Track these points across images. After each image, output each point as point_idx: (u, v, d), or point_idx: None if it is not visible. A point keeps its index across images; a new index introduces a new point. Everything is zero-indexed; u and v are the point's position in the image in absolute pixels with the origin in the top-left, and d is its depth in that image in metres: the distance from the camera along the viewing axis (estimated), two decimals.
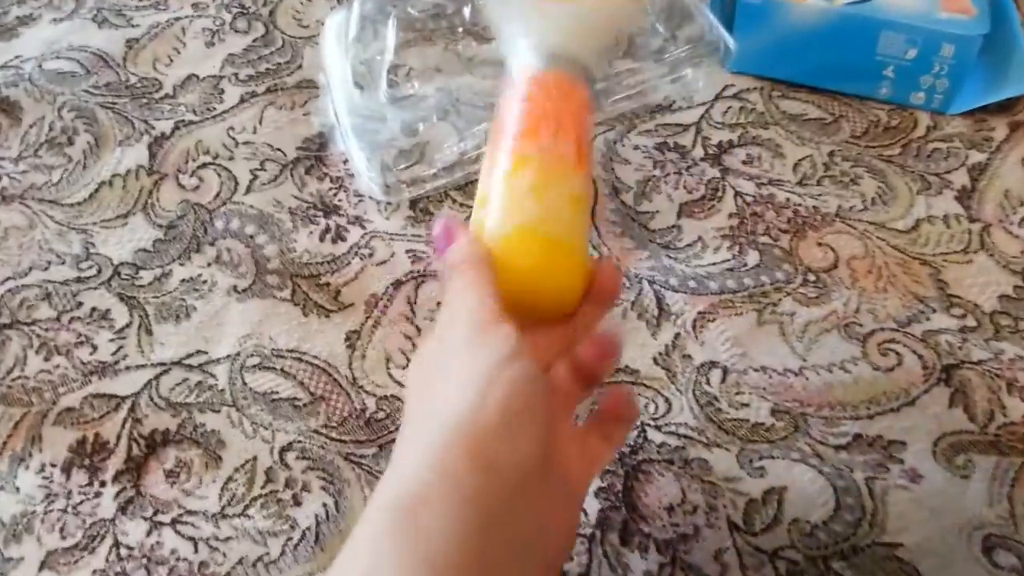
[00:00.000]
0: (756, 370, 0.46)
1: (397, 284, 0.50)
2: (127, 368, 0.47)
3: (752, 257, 0.50)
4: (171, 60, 0.62)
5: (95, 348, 0.48)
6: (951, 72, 0.55)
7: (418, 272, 0.50)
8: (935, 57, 0.55)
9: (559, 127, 0.38)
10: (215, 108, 0.59)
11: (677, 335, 0.47)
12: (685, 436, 0.44)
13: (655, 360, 0.47)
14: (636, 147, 0.55)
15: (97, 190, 0.55)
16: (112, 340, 0.48)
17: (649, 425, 0.44)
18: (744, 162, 0.54)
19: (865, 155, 0.55)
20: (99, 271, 0.51)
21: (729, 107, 0.57)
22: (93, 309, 0.49)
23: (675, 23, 0.61)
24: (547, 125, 0.38)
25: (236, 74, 0.61)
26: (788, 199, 0.52)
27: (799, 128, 0.56)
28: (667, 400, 0.45)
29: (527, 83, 0.39)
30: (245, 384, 0.46)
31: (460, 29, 0.61)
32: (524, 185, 0.36)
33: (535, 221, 0.36)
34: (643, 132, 0.56)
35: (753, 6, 0.57)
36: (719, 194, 0.52)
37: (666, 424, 0.44)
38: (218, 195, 0.54)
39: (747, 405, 0.45)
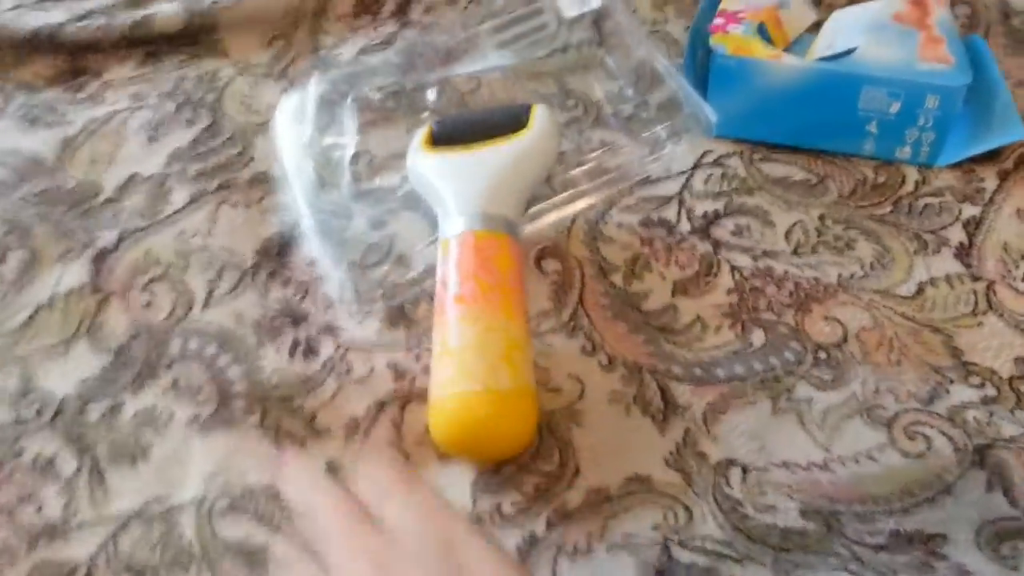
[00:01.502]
0: (778, 466, 0.42)
1: (380, 406, 0.45)
2: (79, 526, 0.42)
3: (757, 337, 0.46)
4: (111, 160, 0.57)
5: (40, 506, 0.42)
6: (936, 124, 0.53)
7: (403, 391, 0.46)
8: (919, 110, 0.53)
9: (487, 283, 0.43)
10: (163, 211, 0.54)
11: (687, 431, 0.44)
12: (714, 552, 0.40)
13: (667, 462, 0.43)
14: (619, 224, 0.52)
15: (35, 314, 0.50)
16: (59, 493, 0.43)
17: (672, 541, 0.40)
18: (734, 233, 0.51)
19: (856, 216, 0.52)
20: (40, 410, 0.46)
21: (710, 175, 0.55)
22: (36, 457, 0.44)
23: (644, 87, 0.59)
24: (476, 283, 0.43)
25: (183, 170, 0.56)
26: (787, 271, 0.49)
27: (785, 192, 0.54)
28: (687, 508, 0.41)
29: (453, 245, 0.44)
30: (215, 534, 0.41)
31: (424, 111, 0.58)
32: (465, 343, 0.42)
33: (481, 377, 0.41)
34: (624, 208, 0.53)
35: (727, 68, 0.55)
36: (714, 269, 0.49)
37: (691, 539, 0.40)
38: (172, 313, 0.49)
39: (774, 507, 0.41)
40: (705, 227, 0.52)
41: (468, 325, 0.42)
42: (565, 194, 0.51)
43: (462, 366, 0.42)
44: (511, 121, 0.49)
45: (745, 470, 0.42)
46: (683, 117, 0.54)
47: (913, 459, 0.42)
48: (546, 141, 0.48)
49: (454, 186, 0.47)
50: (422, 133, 0.50)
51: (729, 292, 0.48)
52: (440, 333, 0.43)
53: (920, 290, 0.48)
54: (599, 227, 0.52)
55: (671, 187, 0.54)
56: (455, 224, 0.45)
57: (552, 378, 0.46)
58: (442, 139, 0.50)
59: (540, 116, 0.49)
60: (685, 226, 0.52)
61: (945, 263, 0.50)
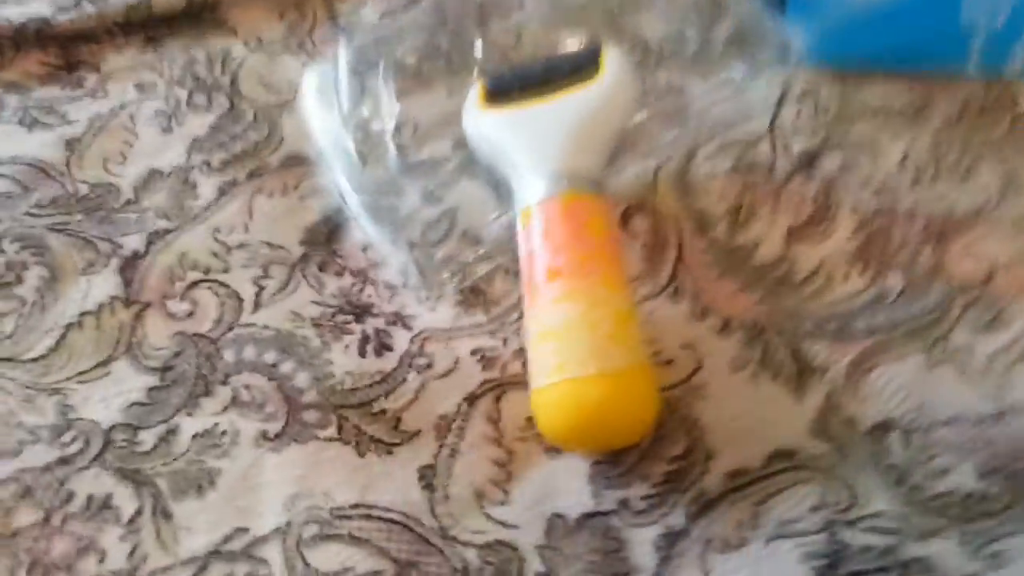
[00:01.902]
0: (943, 424, 0.37)
1: (471, 399, 0.40)
2: (151, 575, 0.36)
3: (894, 281, 0.41)
4: (124, 157, 0.51)
5: (103, 555, 0.36)
6: None
7: (495, 379, 0.40)
8: None
9: (583, 252, 0.38)
10: (191, 208, 0.48)
11: (829, 395, 0.38)
12: (888, 531, 0.34)
13: (811, 432, 0.37)
14: (710, 172, 0.46)
15: (64, 336, 0.44)
16: (122, 539, 0.37)
17: (839, 524, 0.35)
18: (841, 168, 0.45)
19: (971, 139, 0.46)
20: (87, 443, 0.40)
21: (799, 109, 0.49)
22: (90, 499, 0.38)
23: (706, 21, 0.52)
24: (572, 254, 0.37)
25: (207, 162, 0.50)
26: (915, 202, 0.43)
27: (887, 120, 0.48)
28: (847, 484, 0.36)
29: (536, 212, 0.39)
30: (308, 566, 0.36)
31: (464, 70, 0.51)
32: (568, 324, 0.36)
33: (591, 360, 0.35)
34: (710, 155, 0.47)
35: None
36: (831, 211, 0.43)
37: (859, 519, 0.35)
38: (220, 319, 0.43)
39: (947, 472, 0.36)
40: (808, 165, 0.46)
41: (569, 303, 0.36)
42: (642, 145, 0.45)
43: (568, 350, 0.36)
44: (579, 68, 0.43)
45: (906, 433, 0.37)
46: (758, 47, 0.48)
47: None
48: (624, 85, 0.42)
49: (528, 144, 0.41)
50: (475, 92, 0.44)
51: (852, 234, 0.42)
52: (535, 314, 0.37)
53: None
54: (686, 177, 0.46)
55: (758, 127, 0.48)
56: (535, 188, 0.39)
57: (662, 350, 0.41)
58: (501, 95, 0.44)
59: (613, 59, 0.43)
60: (785, 166, 0.46)
61: None
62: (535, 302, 0.38)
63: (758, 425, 0.38)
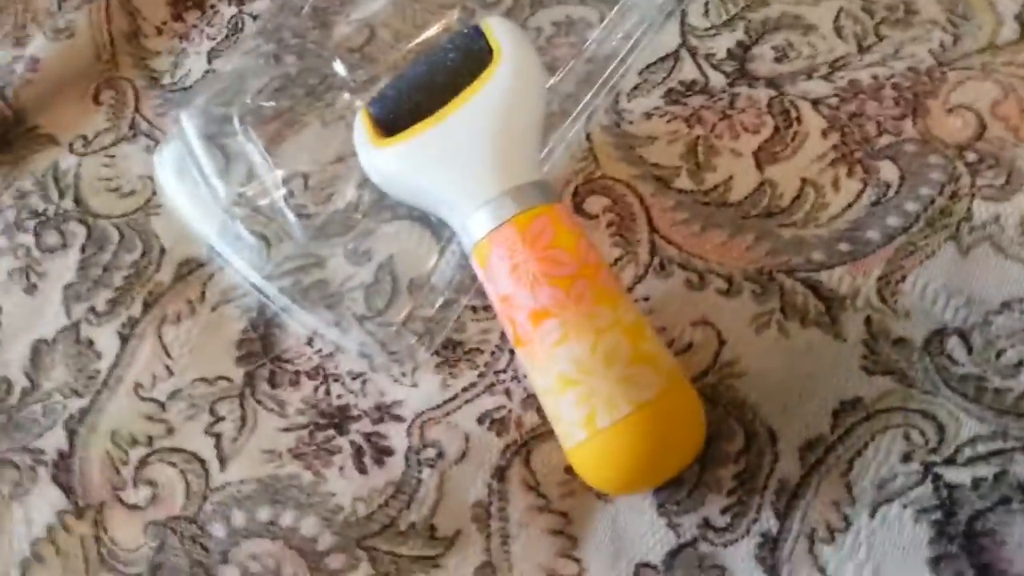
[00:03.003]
0: (998, 312, 0.33)
1: (499, 474, 0.35)
2: None
3: (888, 171, 0.37)
4: None
5: None
6: None
7: (515, 442, 0.35)
8: None
9: (564, 277, 0.32)
10: (98, 372, 0.41)
11: (869, 321, 0.34)
12: (992, 454, 0.31)
13: (867, 370, 0.34)
14: (647, 115, 0.41)
15: (24, 574, 0.37)
16: None
17: (937, 464, 0.32)
18: (778, 59, 0.40)
19: None
20: None
21: (705, 1, 0.43)
22: None
23: None
24: (553, 284, 0.32)
25: (92, 309, 0.43)
26: (875, 76, 0.38)
27: None
28: (929, 416, 0.32)
29: (490, 249, 0.33)
30: None
31: (326, 90, 0.44)
32: (583, 364, 0.31)
33: (625, 396, 0.30)
34: (635, 92, 0.41)
35: None
36: (792, 115, 0.39)
37: (957, 452, 0.32)
38: (189, 493, 0.37)
39: (1022, 364, 0.32)
40: (741, 68, 0.40)
41: (573, 341, 0.31)
42: (564, 122, 0.40)
43: (592, 395, 0.31)
44: (467, 57, 0.36)
45: (964, 335, 0.33)
46: None
47: None
48: (527, 61, 0.36)
49: (449, 174, 0.34)
50: (361, 125, 0.37)
51: (825, 134, 0.38)
52: (538, 365, 0.32)
53: (1023, 25, 0.39)
54: (624, 129, 0.41)
55: (668, 40, 0.43)
56: (479, 221, 0.33)
57: (674, 336, 0.36)
58: (391, 120, 0.37)
59: (502, 32, 0.36)
60: (719, 79, 0.41)
61: None
62: (532, 353, 0.33)
63: (809, 381, 0.34)
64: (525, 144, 0.35)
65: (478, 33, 0.37)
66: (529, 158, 0.35)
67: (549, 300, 0.32)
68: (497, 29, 0.36)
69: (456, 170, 0.34)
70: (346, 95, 0.44)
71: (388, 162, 0.36)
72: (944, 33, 0.39)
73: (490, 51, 0.36)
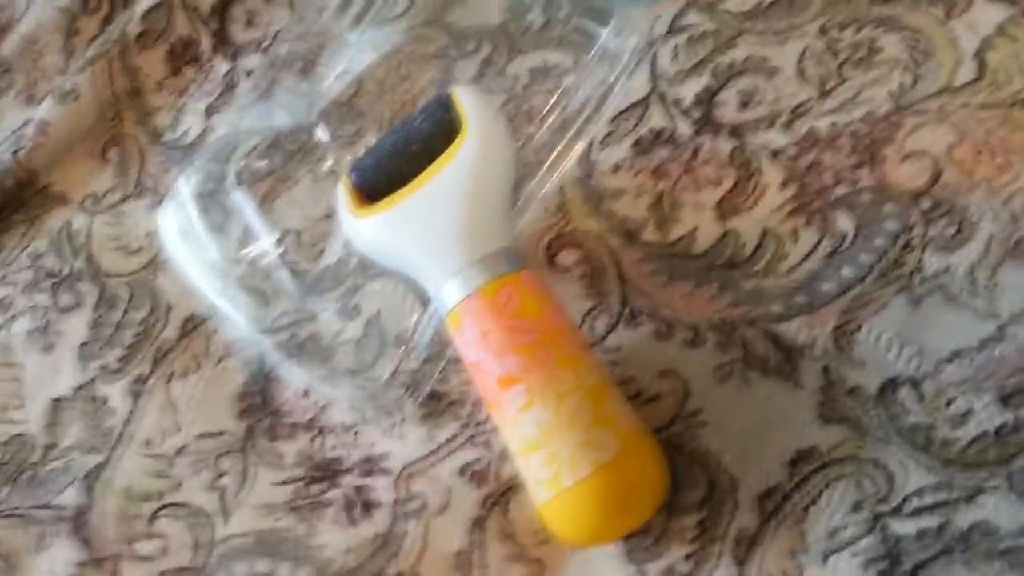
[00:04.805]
0: (948, 361, 0.34)
1: (479, 524, 0.37)
2: None
3: (844, 221, 0.38)
4: (20, 398, 0.47)
5: None
6: None
7: (493, 493, 0.38)
8: None
9: (529, 345, 0.34)
10: (113, 429, 0.44)
11: (825, 369, 0.36)
12: (937, 505, 0.33)
13: (822, 418, 0.35)
14: (616, 167, 0.42)
15: None
16: None
17: (883, 514, 0.33)
18: (743, 105, 0.41)
19: (859, 9, 0.42)
20: None
21: (675, 46, 0.44)
22: None
23: None
24: (518, 352, 0.34)
25: (105, 367, 0.46)
26: (833, 124, 0.39)
27: (767, 22, 0.43)
28: (880, 465, 0.34)
29: (462, 316, 0.35)
30: None
31: (321, 153, 0.46)
32: (547, 428, 0.33)
33: (586, 458, 0.33)
34: (606, 141, 0.43)
35: None
36: (752, 166, 0.40)
37: (904, 503, 0.33)
38: (196, 545, 0.40)
39: (971, 412, 0.34)
40: (707, 116, 0.41)
41: (538, 406, 0.33)
42: (536, 169, 0.41)
43: (557, 456, 0.33)
44: (438, 126, 0.38)
45: (915, 384, 0.35)
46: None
47: None
48: (494, 130, 0.37)
49: (421, 245, 0.36)
50: (344, 193, 0.39)
51: (784, 185, 0.39)
52: (507, 428, 0.35)
53: (982, 64, 0.39)
54: (593, 182, 0.42)
55: (639, 85, 0.44)
56: (451, 291, 0.35)
57: (643, 386, 0.38)
58: (370, 188, 0.39)
59: (468, 103, 0.38)
60: (685, 127, 0.42)
61: (986, 12, 0.40)
62: (502, 416, 0.35)
63: (768, 430, 0.36)
64: (493, 213, 0.36)
65: (447, 102, 0.38)
66: (496, 226, 0.36)
67: (516, 367, 0.34)
68: (464, 98, 0.38)
69: (427, 241, 0.36)
70: (334, 152, 0.46)
71: (365, 231, 0.38)
72: (905, 73, 0.39)
73: (458, 121, 0.38)
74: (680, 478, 0.36)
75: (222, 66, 0.52)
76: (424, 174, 0.37)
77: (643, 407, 0.37)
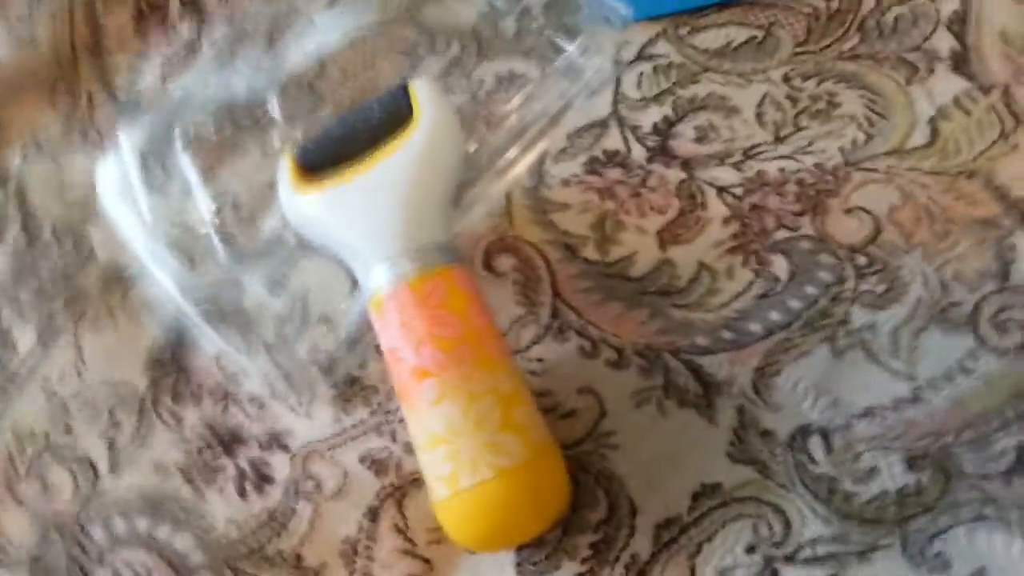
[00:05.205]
0: (861, 416, 0.35)
1: (372, 514, 0.36)
2: None
3: (780, 266, 0.38)
4: None
5: None
6: None
7: (392, 484, 0.37)
8: None
9: (449, 340, 0.33)
10: (10, 362, 0.42)
11: (741, 410, 0.36)
12: (830, 556, 0.32)
13: (731, 457, 0.35)
14: (565, 181, 0.42)
15: None
16: None
17: (776, 559, 0.33)
18: (698, 139, 0.41)
19: (824, 62, 0.43)
20: None
21: (640, 73, 0.44)
22: None
23: None
24: (435, 346, 0.33)
25: (15, 299, 0.44)
26: (782, 169, 0.40)
27: (733, 63, 0.44)
28: (777, 509, 0.34)
29: (386, 302, 0.34)
30: None
31: (272, 126, 0.45)
32: (453, 426, 0.32)
33: (487, 461, 0.32)
34: (559, 156, 0.43)
35: None
36: (698, 199, 0.40)
37: (798, 550, 0.33)
38: (76, 491, 0.39)
39: (875, 469, 0.34)
40: (662, 145, 0.42)
41: (447, 402, 0.33)
42: (489, 171, 0.41)
43: (460, 455, 0.32)
44: (391, 115, 0.37)
45: (825, 435, 0.35)
46: (575, 11, 0.43)
47: (1013, 356, 0.34)
48: (446, 125, 0.37)
49: (358, 226, 0.36)
50: (286, 167, 0.39)
51: (726, 222, 0.39)
52: (414, 420, 0.34)
53: (935, 131, 0.40)
54: (541, 193, 0.42)
55: (600, 106, 0.44)
56: (379, 275, 0.35)
57: (559, 401, 0.37)
58: (314, 167, 0.38)
59: (424, 96, 0.37)
60: (640, 153, 0.42)
61: (946, 83, 0.41)
62: (412, 407, 0.34)
63: (676, 461, 0.35)
64: (433, 205, 0.36)
65: (403, 93, 0.38)
66: (434, 219, 0.36)
67: (431, 360, 0.33)
68: (421, 92, 0.37)
69: (362, 225, 0.36)
70: (286, 128, 0.45)
71: (304, 207, 0.37)
72: (859, 130, 0.40)
73: (412, 112, 0.37)
74: (582, 497, 0.35)
75: (187, 32, 0.51)
76: (369, 159, 0.37)
77: (557, 422, 0.37)
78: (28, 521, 0.39)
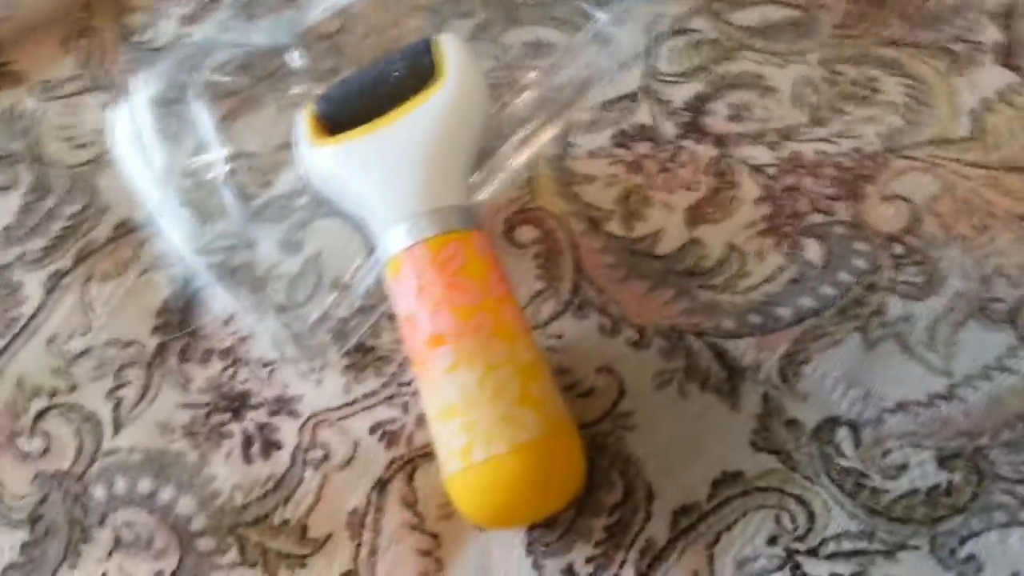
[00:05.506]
0: (893, 411, 0.33)
1: (380, 486, 0.35)
2: None
3: (813, 250, 0.36)
4: None
5: None
6: None
7: (402, 456, 0.36)
8: None
9: (467, 306, 0.32)
10: (18, 317, 0.41)
11: (767, 397, 0.34)
12: (855, 552, 0.31)
13: (754, 445, 0.34)
14: (591, 153, 0.41)
15: None
16: None
17: (800, 553, 0.32)
18: (731, 118, 0.40)
19: (864, 47, 0.41)
20: None
21: (673, 48, 0.43)
22: None
23: None
24: (453, 312, 0.32)
25: (24, 254, 0.43)
26: (818, 151, 0.38)
27: (770, 42, 0.42)
28: (801, 501, 0.32)
29: (403, 264, 0.33)
30: None
31: (292, 80, 0.44)
32: (468, 397, 0.31)
33: (502, 435, 0.31)
34: (586, 128, 0.41)
35: None
36: (730, 178, 0.38)
37: (822, 544, 0.32)
38: (80, 451, 0.38)
39: (906, 466, 0.32)
40: (694, 121, 0.40)
41: (463, 370, 0.32)
42: (512, 139, 0.39)
43: (474, 427, 0.31)
44: (414, 70, 0.36)
45: (854, 428, 0.33)
46: None
47: None
48: (472, 84, 0.36)
49: (377, 183, 0.34)
50: (305, 120, 0.37)
51: (758, 202, 0.38)
52: (428, 389, 0.33)
53: (977, 123, 0.38)
54: (566, 164, 0.40)
55: (631, 79, 0.42)
56: (397, 236, 0.33)
57: (577, 379, 0.36)
58: (334, 121, 0.37)
59: (452, 52, 0.36)
60: (669, 128, 0.40)
61: (990, 75, 0.40)
62: (426, 375, 0.33)
63: (696, 446, 0.34)
64: (453, 167, 0.35)
65: (426, 48, 0.36)
66: (455, 181, 0.35)
67: (447, 327, 0.32)
68: (446, 48, 0.36)
69: (382, 182, 0.34)
70: (305, 84, 0.44)
71: (322, 162, 0.36)
72: (899, 117, 0.39)
73: (436, 69, 0.36)
74: (597, 478, 0.34)
75: None
76: (392, 114, 0.35)
77: (575, 400, 0.36)
78: (30, 477, 0.38)
